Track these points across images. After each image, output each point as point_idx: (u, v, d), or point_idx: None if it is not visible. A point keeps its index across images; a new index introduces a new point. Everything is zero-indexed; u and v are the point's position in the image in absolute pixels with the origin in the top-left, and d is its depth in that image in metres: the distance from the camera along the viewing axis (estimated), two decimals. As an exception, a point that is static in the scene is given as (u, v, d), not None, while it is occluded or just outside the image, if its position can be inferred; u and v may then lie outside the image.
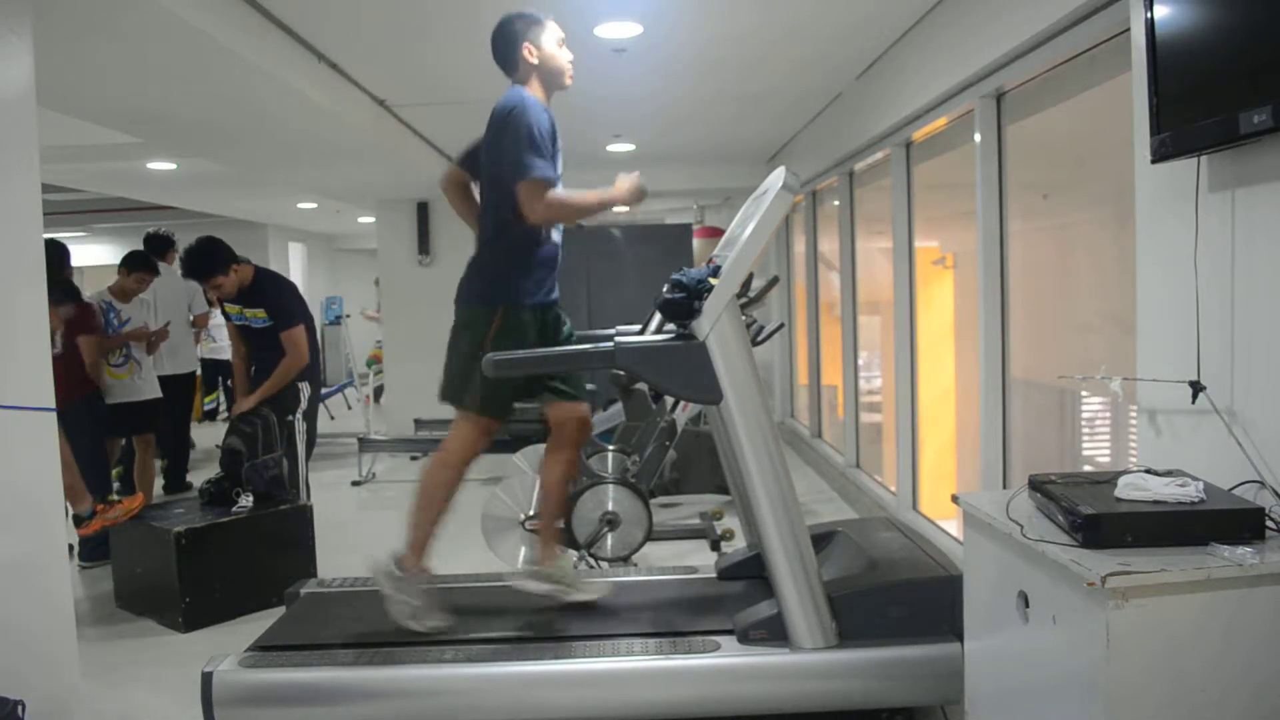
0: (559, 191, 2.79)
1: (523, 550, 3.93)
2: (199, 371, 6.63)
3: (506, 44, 2.92)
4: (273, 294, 4.49)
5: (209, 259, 4.36)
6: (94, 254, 11.32)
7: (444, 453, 2.97)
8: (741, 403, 2.58)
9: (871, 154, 5.18)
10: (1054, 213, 3.54)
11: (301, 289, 12.13)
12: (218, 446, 4.33)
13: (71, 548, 4.60)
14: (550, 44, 2.92)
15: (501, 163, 2.78)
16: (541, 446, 4.15)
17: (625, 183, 2.89)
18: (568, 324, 3.07)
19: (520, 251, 2.87)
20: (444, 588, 3.10)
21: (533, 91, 2.89)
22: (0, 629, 2.55)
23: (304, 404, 4.54)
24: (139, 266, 5.21)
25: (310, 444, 4.67)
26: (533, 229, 2.84)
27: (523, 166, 2.71)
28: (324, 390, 8.07)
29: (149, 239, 6.13)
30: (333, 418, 9.90)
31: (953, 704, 2.57)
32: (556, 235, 2.97)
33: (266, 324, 4.45)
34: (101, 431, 4.69)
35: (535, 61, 2.90)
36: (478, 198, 3.06)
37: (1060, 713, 1.79)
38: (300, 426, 4.52)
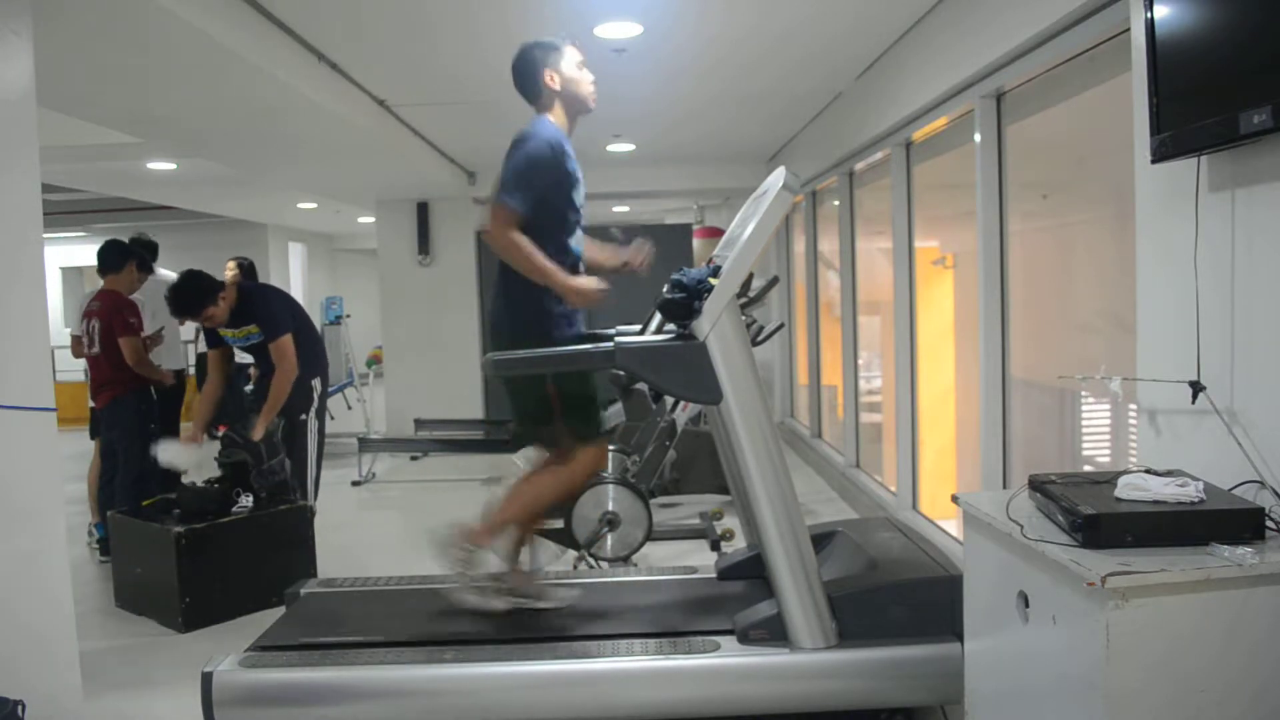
0: (522, 239, 2.71)
1: (523, 551, 3.93)
2: (190, 371, 6.59)
3: (527, 73, 2.89)
4: (260, 306, 4.41)
5: (197, 293, 4.24)
6: (94, 254, 11.30)
7: (562, 473, 2.96)
8: (741, 403, 2.58)
9: (871, 154, 5.18)
10: (1054, 213, 3.54)
11: (301, 289, 11.98)
12: (216, 459, 4.30)
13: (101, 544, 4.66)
14: (571, 68, 2.89)
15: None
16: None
17: (584, 282, 2.79)
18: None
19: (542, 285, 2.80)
20: (443, 588, 3.10)
21: (556, 119, 2.87)
22: (1, 629, 2.55)
23: (316, 402, 4.53)
24: (143, 266, 5.18)
25: (321, 443, 4.67)
26: (561, 260, 2.81)
27: (503, 191, 2.71)
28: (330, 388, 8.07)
29: (142, 244, 6.02)
30: (333, 418, 9.89)
31: (953, 704, 2.57)
32: (583, 267, 2.94)
33: (261, 338, 4.39)
34: (145, 424, 4.71)
35: (558, 88, 2.87)
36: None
37: (1060, 713, 1.79)
38: (313, 425, 4.51)
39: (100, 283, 4.93)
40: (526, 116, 2.94)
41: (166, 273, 5.44)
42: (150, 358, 5.26)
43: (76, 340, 4.93)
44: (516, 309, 2.87)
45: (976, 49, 3.44)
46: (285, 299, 4.69)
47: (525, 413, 3.02)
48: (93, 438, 5.07)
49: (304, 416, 4.45)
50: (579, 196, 2.88)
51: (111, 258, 4.86)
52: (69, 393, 5.27)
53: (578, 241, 2.91)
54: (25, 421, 2.60)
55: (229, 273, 6.05)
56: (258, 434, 4.20)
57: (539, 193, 2.73)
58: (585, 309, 2.87)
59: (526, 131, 2.79)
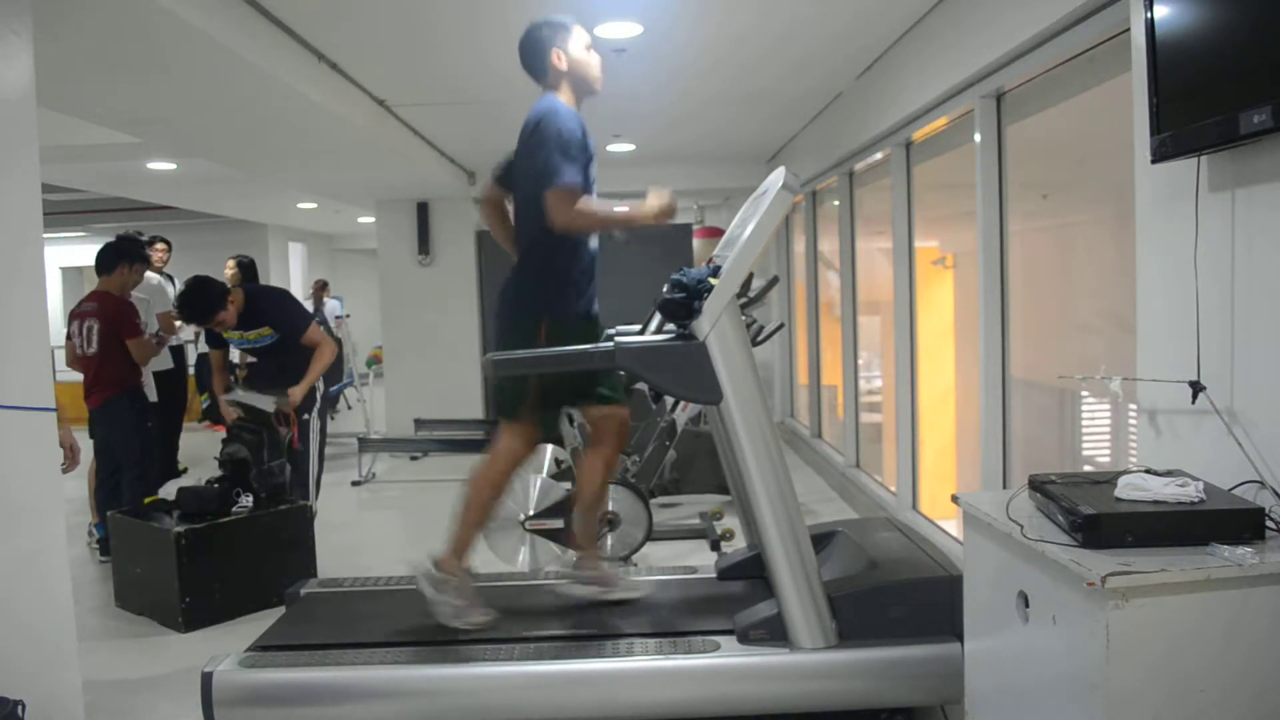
0: (587, 201, 2.75)
1: (523, 551, 3.94)
2: (190, 371, 6.62)
3: (535, 51, 2.90)
4: (272, 310, 4.45)
5: (207, 300, 4.27)
6: (94, 254, 11.29)
7: (599, 450, 3.03)
8: (741, 403, 2.58)
9: (871, 154, 5.18)
10: (1054, 213, 3.54)
11: (301, 289, 12.07)
12: (216, 458, 4.31)
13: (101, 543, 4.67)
14: (578, 49, 2.90)
15: (532, 172, 2.77)
16: (541, 447, 4.17)
17: (656, 199, 2.79)
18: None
19: (559, 263, 2.84)
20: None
21: (563, 98, 2.88)
22: (0, 629, 2.54)
23: (319, 401, 4.55)
24: (138, 259, 5.16)
25: (323, 442, 4.68)
26: (569, 239, 2.81)
27: (551, 172, 2.69)
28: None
29: (130, 241, 5.98)
30: (332, 418, 9.92)
31: (953, 704, 2.57)
32: (594, 244, 2.94)
33: (274, 339, 4.42)
34: (143, 422, 4.76)
35: (564, 67, 2.87)
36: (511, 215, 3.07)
37: (1060, 713, 1.79)
38: (315, 425, 4.52)
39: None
40: (527, 115, 2.94)
41: (152, 275, 5.44)
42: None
43: (70, 343, 4.91)
44: (528, 288, 2.88)
45: (976, 49, 3.44)
46: (290, 299, 4.73)
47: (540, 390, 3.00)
48: (92, 436, 5.08)
49: (307, 416, 4.46)
50: (592, 171, 2.89)
51: (105, 259, 4.88)
52: (69, 393, 5.24)
53: None
54: (25, 421, 2.60)
55: (229, 271, 6.05)
56: (300, 393, 4.26)
57: (581, 165, 2.75)
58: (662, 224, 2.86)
59: (546, 109, 2.79)
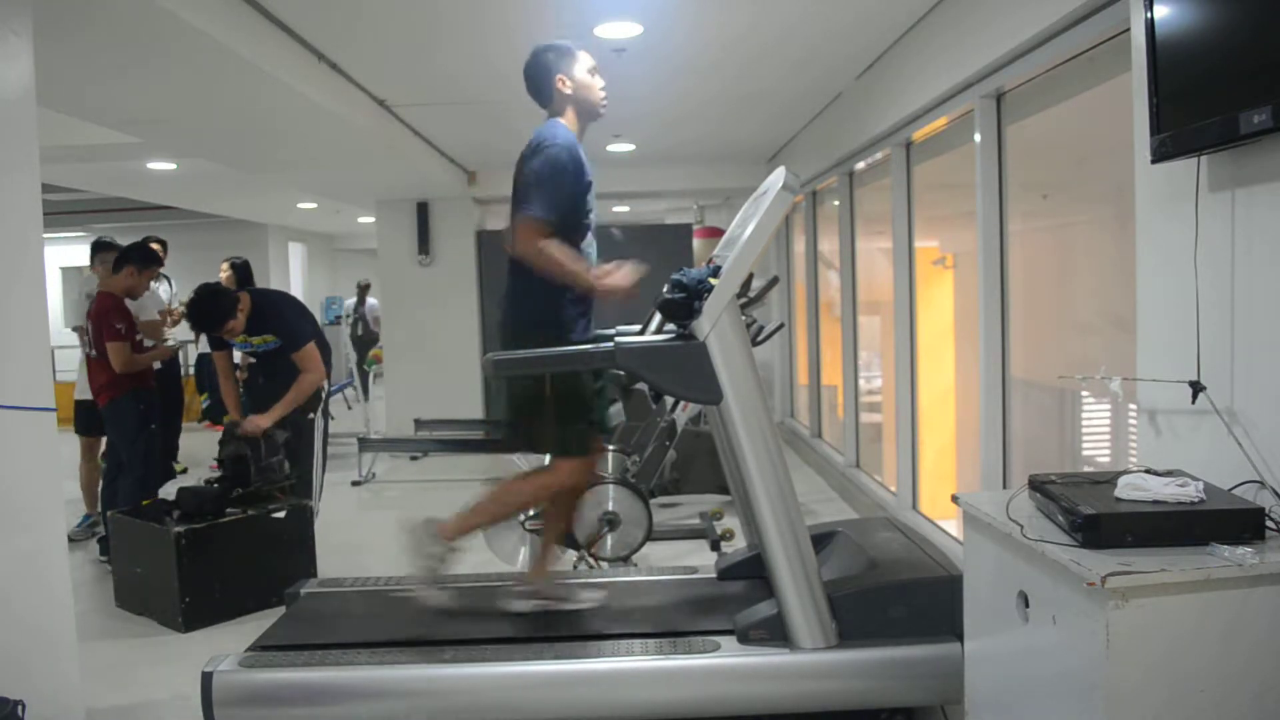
0: (551, 244, 2.71)
1: (523, 551, 3.94)
2: (190, 372, 6.62)
3: (539, 77, 2.90)
4: (279, 318, 4.42)
5: (218, 309, 4.25)
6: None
7: (541, 481, 3.00)
8: (741, 403, 2.58)
9: (871, 154, 5.18)
10: (1054, 213, 3.54)
11: (301, 289, 12.08)
12: (216, 459, 4.31)
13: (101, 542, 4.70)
14: (582, 73, 2.91)
15: (517, 196, 2.78)
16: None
17: (623, 273, 2.77)
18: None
19: (554, 285, 2.80)
20: (444, 588, 3.10)
21: (567, 123, 2.88)
22: (1, 629, 2.55)
23: (322, 401, 4.55)
24: (150, 264, 5.13)
25: (325, 443, 4.68)
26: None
27: (526, 202, 2.71)
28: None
29: (105, 245, 5.92)
30: (333, 417, 9.91)
31: (953, 704, 2.57)
32: (594, 270, 2.91)
33: (277, 345, 4.41)
34: (146, 424, 4.72)
35: (569, 92, 2.89)
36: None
37: (1060, 713, 1.79)
38: (319, 425, 4.51)
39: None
40: (527, 115, 2.94)
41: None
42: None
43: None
44: (532, 313, 2.85)
45: (976, 49, 3.44)
46: (296, 305, 4.70)
47: (516, 415, 2.99)
48: (78, 432, 5.12)
49: (311, 415, 4.46)
50: (590, 201, 2.88)
51: (115, 261, 4.89)
52: (69, 393, 5.27)
53: (589, 245, 2.90)
54: (25, 421, 2.60)
55: (223, 274, 6.04)
56: (267, 422, 4.20)
57: (563, 198, 2.74)
58: (623, 300, 2.83)
59: (543, 137, 2.79)
